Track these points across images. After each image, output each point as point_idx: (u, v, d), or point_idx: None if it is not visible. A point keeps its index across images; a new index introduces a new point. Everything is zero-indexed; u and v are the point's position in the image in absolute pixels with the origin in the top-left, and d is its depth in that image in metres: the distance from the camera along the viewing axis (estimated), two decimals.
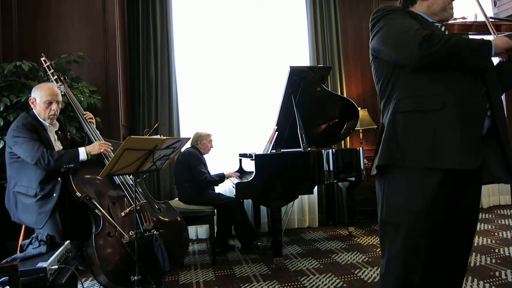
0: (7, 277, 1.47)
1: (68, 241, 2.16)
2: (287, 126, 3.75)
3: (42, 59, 2.86)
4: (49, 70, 2.83)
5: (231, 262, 3.32)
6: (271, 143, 3.44)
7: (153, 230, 2.41)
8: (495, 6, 4.76)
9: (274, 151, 3.41)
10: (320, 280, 2.72)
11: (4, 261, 1.83)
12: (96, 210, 2.41)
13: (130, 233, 2.37)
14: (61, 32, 3.75)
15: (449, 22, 1.54)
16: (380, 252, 1.62)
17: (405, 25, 1.39)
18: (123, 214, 2.50)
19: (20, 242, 2.42)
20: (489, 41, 1.32)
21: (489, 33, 1.45)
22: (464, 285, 2.47)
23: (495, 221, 4.22)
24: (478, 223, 4.13)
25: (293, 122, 3.56)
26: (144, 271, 2.27)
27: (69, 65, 3.49)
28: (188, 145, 3.71)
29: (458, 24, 1.52)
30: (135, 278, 2.21)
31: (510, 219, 4.24)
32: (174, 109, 4.30)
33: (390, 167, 1.44)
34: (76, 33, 3.77)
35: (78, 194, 2.42)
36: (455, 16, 1.56)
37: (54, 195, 2.47)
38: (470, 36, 1.52)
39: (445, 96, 1.35)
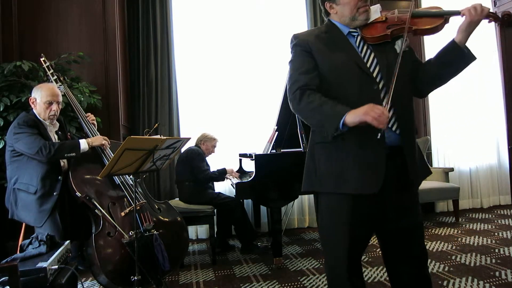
0: (7, 277, 1.47)
1: (68, 241, 2.16)
2: (287, 126, 3.74)
3: (41, 59, 2.86)
4: (49, 70, 2.83)
5: (231, 262, 3.32)
6: (271, 143, 3.43)
7: (153, 230, 2.41)
8: (495, 6, 4.76)
9: (274, 151, 3.41)
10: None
11: (4, 261, 1.83)
12: (96, 210, 2.41)
13: (130, 233, 2.36)
14: (61, 32, 3.75)
15: (367, 26, 1.47)
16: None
17: (294, 76, 1.48)
18: (123, 214, 2.50)
19: (20, 242, 2.42)
20: (342, 115, 1.31)
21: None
22: (464, 285, 2.47)
23: (495, 221, 4.22)
24: (478, 223, 4.13)
25: (293, 122, 3.55)
26: (144, 271, 2.27)
27: (69, 65, 3.49)
28: (188, 144, 3.70)
29: (375, 36, 1.44)
30: (135, 278, 2.21)
31: (510, 219, 4.23)
32: (174, 109, 4.30)
33: None
34: (76, 33, 3.77)
35: (78, 194, 2.42)
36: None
37: (55, 193, 2.47)
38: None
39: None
